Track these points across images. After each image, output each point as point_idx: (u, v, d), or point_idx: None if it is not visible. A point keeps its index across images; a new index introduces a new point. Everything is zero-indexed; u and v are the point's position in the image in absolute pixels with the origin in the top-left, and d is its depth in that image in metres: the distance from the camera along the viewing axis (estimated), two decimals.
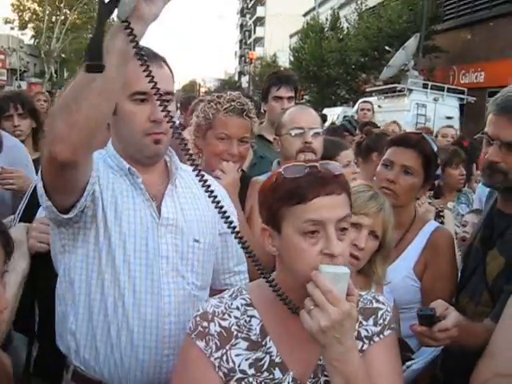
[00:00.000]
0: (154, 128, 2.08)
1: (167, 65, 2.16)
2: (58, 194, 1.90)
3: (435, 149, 2.86)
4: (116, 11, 1.51)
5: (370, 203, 2.31)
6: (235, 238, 1.66)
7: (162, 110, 1.64)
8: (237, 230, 1.67)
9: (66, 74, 54.68)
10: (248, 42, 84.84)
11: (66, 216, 1.94)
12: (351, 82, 29.74)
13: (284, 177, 1.64)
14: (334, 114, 20.07)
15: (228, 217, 1.65)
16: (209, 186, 1.62)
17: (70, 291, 2.11)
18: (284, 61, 44.73)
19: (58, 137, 1.66)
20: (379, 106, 17.04)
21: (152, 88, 1.60)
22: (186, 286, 2.14)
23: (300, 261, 1.61)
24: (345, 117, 18.03)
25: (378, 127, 7.26)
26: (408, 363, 2.30)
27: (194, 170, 1.63)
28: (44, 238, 2.31)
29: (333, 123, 13.21)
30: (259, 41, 77.06)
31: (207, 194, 1.63)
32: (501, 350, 1.95)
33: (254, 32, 79.70)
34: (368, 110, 9.40)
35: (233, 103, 2.85)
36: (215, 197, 1.63)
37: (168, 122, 1.67)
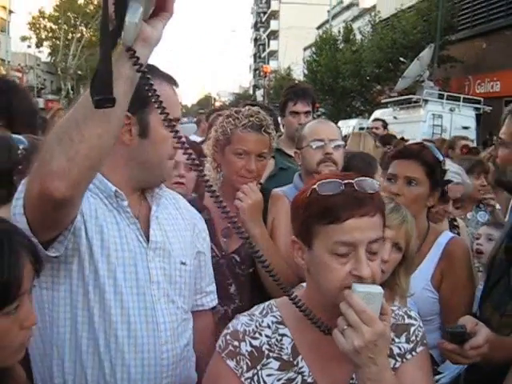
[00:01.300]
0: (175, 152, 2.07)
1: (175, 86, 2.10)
2: (44, 230, 1.72)
3: (439, 157, 2.84)
4: (122, 37, 1.44)
5: (392, 215, 2.29)
6: (261, 265, 1.65)
7: (174, 137, 1.59)
8: (256, 249, 1.64)
9: (82, 91, 55.17)
10: (262, 56, 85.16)
11: (52, 254, 1.78)
12: (366, 94, 29.72)
13: (318, 193, 1.61)
14: (349, 126, 20.02)
15: (247, 238, 1.63)
16: (224, 206, 1.60)
17: (50, 332, 1.94)
18: (298, 74, 44.80)
19: (56, 172, 1.51)
20: (395, 118, 16.99)
21: (164, 120, 1.55)
22: (177, 310, 2.07)
23: (328, 279, 1.59)
24: (361, 129, 18.03)
25: (396, 138, 7.29)
26: (436, 377, 2.27)
27: (211, 197, 1.61)
28: None
29: (347, 136, 13.18)
30: (273, 54, 77.34)
31: (226, 218, 1.61)
32: None
33: (268, 46, 80.00)
34: (377, 128, 9.49)
35: (251, 118, 2.82)
36: (235, 222, 1.62)
37: (183, 151, 1.62)
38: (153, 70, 1.89)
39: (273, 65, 67.56)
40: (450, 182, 3.04)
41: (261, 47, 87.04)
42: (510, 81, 20.02)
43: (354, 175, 1.65)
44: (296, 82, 26.18)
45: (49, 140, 1.56)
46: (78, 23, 48.92)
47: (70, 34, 49.44)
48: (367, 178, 1.67)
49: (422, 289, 2.71)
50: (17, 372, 1.68)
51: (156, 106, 1.53)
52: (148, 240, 2.03)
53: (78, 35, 48.95)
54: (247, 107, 2.98)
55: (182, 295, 2.11)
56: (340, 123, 20.19)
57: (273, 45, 77.60)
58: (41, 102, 43.17)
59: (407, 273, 2.37)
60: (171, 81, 2.07)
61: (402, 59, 23.59)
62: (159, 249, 2.04)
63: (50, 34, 50.31)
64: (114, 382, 1.92)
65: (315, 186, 1.62)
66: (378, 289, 1.55)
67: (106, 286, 1.91)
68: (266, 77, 57.39)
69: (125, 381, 1.92)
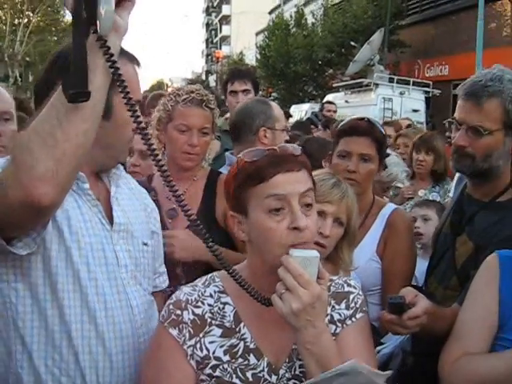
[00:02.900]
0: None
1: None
2: (13, 230, 1.60)
3: (383, 132, 2.91)
4: (100, 27, 1.38)
5: (333, 191, 2.32)
6: (201, 237, 1.61)
7: (134, 121, 1.51)
8: (195, 219, 1.61)
9: (30, 78, 54.00)
10: (214, 41, 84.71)
11: (22, 252, 1.64)
12: (318, 78, 29.89)
13: (244, 161, 1.67)
14: (302, 110, 20.11)
15: (191, 214, 1.59)
16: (176, 190, 1.54)
17: (14, 329, 1.79)
18: (251, 59, 44.79)
19: (42, 176, 1.40)
20: (346, 101, 17.19)
21: (126, 103, 1.48)
22: (145, 292, 2.00)
23: (269, 240, 1.62)
24: (312, 112, 18.16)
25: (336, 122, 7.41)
26: (378, 348, 2.33)
27: (162, 176, 1.54)
28: None
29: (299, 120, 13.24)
30: (225, 39, 77.04)
31: (174, 198, 1.55)
32: (467, 329, 2.01)
33: (220, 31, 79.62)
34: (334, 111, 9.57)
35: (192, 94, 2.83)
36: (182, 200, 1.56)
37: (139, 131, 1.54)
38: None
39: (225, 50, 67.29)
40: (388, 155, 3.10)
41: (213, 32, 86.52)
42: (458, 65, 20.37)
43: (277, 145, 1.74)
44: (248, 66, 26.17)
45: (25, 142, 1.44)
46: (24, 8, 47.75)
47: (17, 20, 48.26)
48: (290, 145, 1.77)
49: (369, 259, 2.76)
50: None
51: (120, 90, 1.46)
52: (111, 222, 1.94)
53: (25, 20, 47.81)
54: (188, 85, 3.00)
55: (147, 277, 2.04)
56: (293, 108, 20.28)
57: (225, 30, 77.25)
58: None
59: (350, 247, 2.40)
60: (134, 60, 1.98)
61: (353, 43, 23.79)
62: (123, 231, 1.95)
63: None
64: (94, 373, 1.81)
65: (241, 156, 1.70)
66: (314, 253, 1.58)
67: (80, 272, 1.80)
68: (218, 62, 57.27)
69: (107, 370, 1.83)
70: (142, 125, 1.53)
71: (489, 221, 2.38)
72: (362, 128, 2.84)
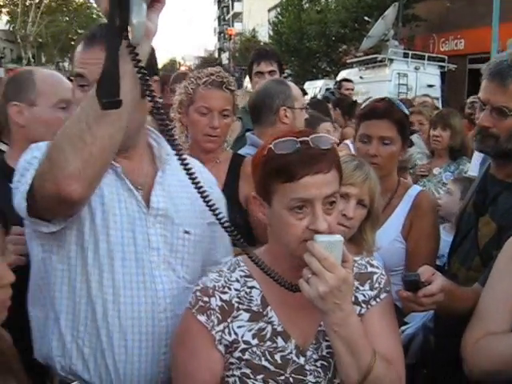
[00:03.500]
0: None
1: None
2: (50, 216, 1.75)
3: (405, 111, 2.89)
4: (132, 36, 1.40)
5: (355, 173, 2.32)
6: (222, 226, 1.63)
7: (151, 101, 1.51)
8: (221, 216, 1.61)
9: (43, 59, 54.11)
10: (226, 18, 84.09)
11: (53, 229, 1.79)
12: (332, 54, 29.64)
13: (275, 152, 1.64)
14: (316, 87, 19.99)
15: (212, 204, 1.59)
16: (192, 173, 1.54)
17: (49, 296, 1.94)
18: (264, 35, 44.45)
19: (71, 174, 1.52)
20: (361, 77, 17.04)
21: (153, 107, 1.50)
22: (178, 279, 2.01)
23: (288, 234, 1.65)
24: (327, 89, 18.02)
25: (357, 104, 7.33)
26: (402, 328, 2.34)
27: (176, 155, 1.53)
28: (21, 249, 2.09)
29: (314, 97, 13.14)
30: (238, 16, 76.44)
31: (190, 180, 1.55)
32: (489, 309, 2.02)
33: (232, 8, 78.94)
34: (352, 89, 9.45)
35: (212, 76, 2.87)
36: (198, 182, 1.56)
37: (162, 128, 1.54)
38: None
39: (237, 27, 66.82)
40: (415, 131, 3.08)
41: (225, 9, 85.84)
42: (474, 38, 20.12)
43: (310, 132, 1.70)
44: (261, 44, 26.00)
45: (59, 142, 1.55)
46: None
47: (28, 1, 48.18)
48: (322, 135, 1.72)
49: (393, 240, 2.79)
50: (2, 335, 1.67)
51: (147, 94, 1.47)
52: (149, 206, 1.98)
53: (37, 1, 47.71)
54: (209, 68, 3.01)
55: (185, 265, 2.04)
56: (307, 84, 20.16)
57: (237, 7, 76.58)
58: (1, 72, 42.22)
59: (373, 228, 2.41)
60: None
61: (366, 18, 23.53)
62: (161, 216, 1.99)
63: (8, 1, 48.98)
64: (111, 350, 1.89)
65: (271, 145, 1.66)
66: (338, 237, 1.61)
67: (104, 250, 1.89)
68: (231, 40, 56.92)
69: (122, 348, 1.90)
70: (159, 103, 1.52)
71: (511, 202, 2.38)
72: (380, 110, 2.83)
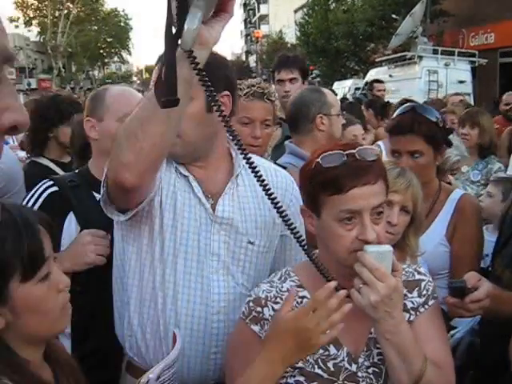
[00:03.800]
0: None
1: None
2: (119, 203, 1.96)
3: (433, 118, 2.83)
4: (180, 42, 1.45)
5: (398, 180, 2.35)
6: (285, 224, 1.65)
7: (228, 131, 1.58)
8: (293, 226, 1.65)
9: (73, 68, 54.80)
10: (253, 21, 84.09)
11: (122, 218, 2.00)
12: (360, 53, 29.49)
13: (322, 166, 1.69)
14: (345, 86, 19.95)
15: (286, 215, 1.63)
16: (263, 181, 1.57)
17: (124, 283, 2.17)
18: (291, 37, 44.43)
19: (125, 164, 1.70)
20: (390, 76, 16.91)
21: (219, 116, 1.55)
22: (236, 285, 2.12)
23: (337, 245, 1.70)
24: (357, 89, 17.95)
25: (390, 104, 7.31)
26: (451, 332, 2.37)
27: (247, 163, 1.58)
28: (101, 250, 2.37)
29: (344, 97, 13.08)
30: (264, 18, 76.39)
31: (264, 191, 1.59)
32: None
33: (258, 10, 78.93)
34: (384, 90, 9.36)
35: (253, 88, 2.94)
36: (271, 194, 1.59)
37: (235, 143, 1.58)
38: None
39: (264, 29, 66.78)
40: (452, 130, 3.06)
41: (251, 12, 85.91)
42: (504, 31, 19.87)
43: (356, 145, 1.75)
44: (288, 45, 25.98)
45: (119, 135, 1.75)
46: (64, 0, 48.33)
47: (57, 12, 48.89)
48: (368, 147, 1.78)
49: (438, 243, 2.81)
50: (58, 344, 1.77)
51: (207, 94, 1.53)
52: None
53: (65, 12, 48.39)
54: (249, 80, 3.07)
55: (246, 273, 2.15)
56: (335, 84, 20.13)
57: (263, 9, 76.58)
58: (33, 82, 42.88)
59: (416, 233, 2.44)
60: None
61: (394, 16, 23.39)
62: (225, 224, 2.11)
63: (38, 13, 49.77)
64: (166, 340, 2.06)
65: (318, 160, 1.71)
66: (388, 247, 1.67)
67: (169, 249, 2.07)
68: (257, 42, 56.99)
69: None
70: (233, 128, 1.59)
71: None
72: (405, 125, 2.82)
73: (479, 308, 2.04)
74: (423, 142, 2.78)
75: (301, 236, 1.67)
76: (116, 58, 63.08)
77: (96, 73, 59.18)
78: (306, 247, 1.70)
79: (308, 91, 3.57)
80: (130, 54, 62.28)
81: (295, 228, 1.66)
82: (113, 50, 59.46)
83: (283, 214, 1.62)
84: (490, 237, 3.06)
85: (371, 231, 1.65)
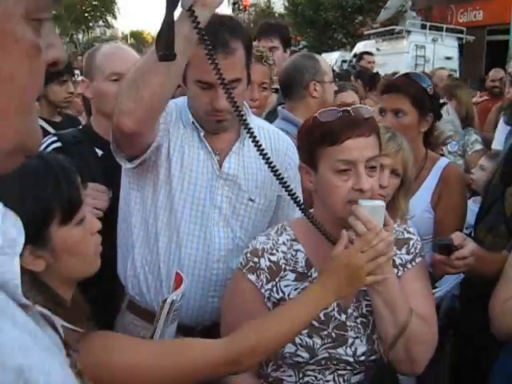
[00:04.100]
0: (215, 112, 2.16)
1: (243, 44, 2.14)
2: (124, 150, 2.08)
3: (425, 84, 2.95)
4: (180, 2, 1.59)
5: (389, 144, 2.42)
6: (281, 185, 1.77)
7: (228, 98, 1.71)
8: (287, 184, 1.77)
9: (58, 31, 53.91)
10: None
11: (129, 166, 2.12)
12: (348, 26, 29.40)
13: (319, 120, 1.79)
14: (332, 58, 19.89)
15: (276, 169, 1.74)
16: (262, 149, 1.70)
17: (130, 226, 2.29)
18: (279, 7, 44.00)
19: (125, 111, 1.83)
20: (377, 49, 16.88)
21: (218, 79, 1.69)
22: (234, 237, 2.26)
23: (333, 196, 1.79)
24: (343, 61, 17.93)
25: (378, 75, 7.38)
26: (432, 291, 2.47)
27: (245, 129, 1.72)
28: (99, 204, 2.42)
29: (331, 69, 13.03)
30: None
31: (258, 152, 1.71)
32: None
33: None
34: (373, 62, 9.38)
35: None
36: (268, 158, 1.72)
37: (234, 111, 1.73)
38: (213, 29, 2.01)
39: None
40: (444, 104, 3.15)
41: None
42: (493, 9, 19.89)
43: (350, 104, 1.86)
44: (276, 15, 25.81)
45: (123, 84, 1.89)
46: None
47: None
48: (362, 106, 1.88)
49: (423, 210, 2.89)
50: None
51: (204, 47, 1.66)
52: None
53: None
54: None
55: (244, 228, 2.29)
56: (323, 55, 19.95)
57: None
58: None
59: (406, 196, 2.52)
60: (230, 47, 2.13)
61: None
62: (230, 180, 2.25)
63: None
64: (167, 282, 2.18)
65: (316, 115, 1.82)
66: (381, 202, 1.75)
67: (176, 198, 2.19)
68: (245, 11, 56.35)
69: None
70: (236, 102, 1.73)
71: None
72: (394, 84, 2.99)
73: (464, 265, 2.14)
74: (408, 102, 2.89)
75: (295, 194, 1.77)
76: (101, 22, 62.15)
77: (80, 36, 58.31)
78: (302, 205, 1.79)
79: (302, 57, 3.61)
80: (115, 18, 61.40)
81: (289, 186, 1.77)
82: (98, 14, 58.57)
83: (277, 173, 1.74)
84: (474, 207, 3.15)
85: (366, 181, 1.74)
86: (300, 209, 1.79)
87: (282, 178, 1.75)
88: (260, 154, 1.70)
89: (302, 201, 1.80)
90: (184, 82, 2.16)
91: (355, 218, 1.72)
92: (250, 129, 1.69)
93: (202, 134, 2.23)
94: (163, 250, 2.22)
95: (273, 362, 1.92)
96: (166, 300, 1.82)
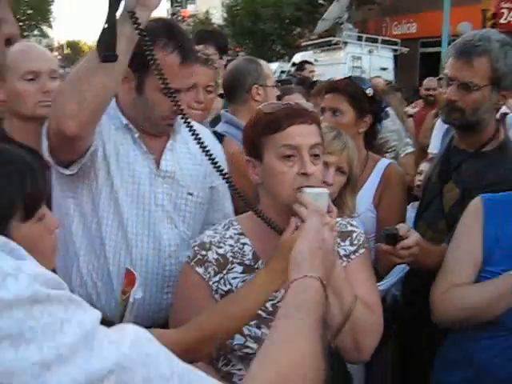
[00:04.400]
0: (172, 117, 2.21)
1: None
2: (61, 154, 2.03)
3: (366, 87, 3.08)
4: (124, 2, 1.64)
5: (334, 142, 2.50)
6: (226, 182, 1.82)
7: (172, 101, 1.74)
8: (227, 175, 1.81)
9: None
10: (179, 0, 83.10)
11: (68, 172, 2.06)
12: (286, 37, 29.72)
13: (263, 112, 1.87)
14: (271, 69, 20.07)
15: (219, 165, 1.79)
16: (200, 138, 1.74)
17: (69, 234, 2.23)
18: (218, 18, 44.14)
19: (68, 113, 1.80)
20: (316, 60, 17.12)
21: (162, 83, 1.73)
22: (180, 232, 2.29)
23: (280, 182, 1.83)
24: (282, 72, 18.13)
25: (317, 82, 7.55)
26: (377, 284, 2.55)
27: (184, 123, 1.75)
28: None
29: None
30: None
31: (198, 145, 1.75)
32: (455, 264, 2.25)
33: None
34: (314, 71, 9.54)
35: (197, 54, 2.97)
36: (205, 146, 1.75)
37: (179, 114, 1.77)
38: (170, 35, 2.14)
39: (190, 9, 66.03)
40: (385, 107, 3.26)
41: None
42: (425, 22, 20.47)
43: (293, 102, 1.96)
44: (215, 25, 25.91)
45: (63, 86, 1.88)
46: None
47: None
48: (303, 102, 1.96)
49: (366, 209, 2.96)
50: None
51: (145, 48, 1.70)
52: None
53: None
54: None
55: (187, 222, 2.33)
56: None
57: None
58: None
59: (352, 193, 2.60)
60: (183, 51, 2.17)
61: (321, 1, 23.69)
62: (168, 177, 2.28)
63: None
64: (119, 285, 2.10)
65: (260, 107, 1.90)
66: (324, 190, 1.80)
67: (119, 199, 2.19)
68: (184, 21, 56.28)
69: None
70: (182, 107, 1.77)
71: (474, 169, 2.61)
72: (333, 85, 3.14)
73: (409, 255, 2.22)
74: (346, 102, 3.00)
75: (234, 185, 1.82)
76: (36, 32, 60.92)
77: None
78: (244, 196, 1.84)
79: (244, 61, 3.67)
80: (50, 27, 60.35)
81: (230, 177, 1.82)
82: (33, 23, 57.37)
83: (217, 165, 1.78)
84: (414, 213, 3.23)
85: (310, 165, 1.79)
86: (241, 198, 1.83)
87: (223, 170, 1.80)
88: (200, 147, 1.74)
89: (239, 191, 1.84)
90: (139, 89, 2.17)
91: (300, 205, 1.75)
92: (191, 126, 1.73)
93: (136, 135, 2.24)
94: (111, 253, 2.20)
95: (223, 356, 1.95)
96: (128, 299, 1.83)
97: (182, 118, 1.76)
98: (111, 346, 0.75)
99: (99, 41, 1.66)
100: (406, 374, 2.97)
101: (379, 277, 2.67)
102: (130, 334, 0.79)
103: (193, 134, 1.73)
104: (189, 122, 1.74)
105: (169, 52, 2.11)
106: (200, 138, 1.74)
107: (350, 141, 2.56)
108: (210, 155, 1.75)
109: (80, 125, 1.81)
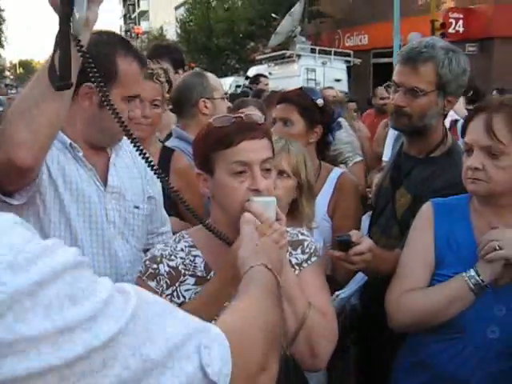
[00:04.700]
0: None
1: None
2: (7, 186, 1.89)
3: (316, 98, 3.10)
4: (72, 29, 1.58)
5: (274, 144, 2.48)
6: (171, 192, 1.80)
7: (113, 114, 1.72)
8: (172, 186, 1.80)
9: None
10: (133, 17, 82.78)
11: (15, 202, 1.92)
12: (240, 52, 29.94)
13: (214, 126, 1.84)
14: (226, 84, 20.14)
15: (161, 172, 1.76)
16: (139, 146, 1.71)
17: None
18: (172, 34, 44.22)
19: (20, 144, 1.69)
20: (270, 73, 17.23)
21: (101, 96, 1.74)
22: (132, 248, 2.27)
23: (230, 198, 1.81)
24: (237, 86, 18.21)
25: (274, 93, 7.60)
26: (337, 293, 2.55)
27: (129, 139, 1.72)
28: None
29: (225, 93, 13.19)
30: (144, 14, 75.25)
31: (138, 152, 1.72)
32: (407, 269, 2.27)
33: (138, 6, 77.78)
34: (268, 84, 9.58)
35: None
36: (145, 154, 1.73)
37: (120, 126, 1.73)
38: (127, 46, 2.17)
39: (144, 25, 65.96)
40: (335, 119, 3.28)
41: (130, 7, 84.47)
42: (377, 34, 20.85)
43: (243, 113, 1.93)
44: (169, 41, 25.88)
45: (10, 116, 1.72)
46: None
47: None
48: (254, 113, 1.97)
49: (321, 219, 2.96)
50: None
51: (90, 75, 1.67)
52: (106, 185, 2.21)
53: None
54: None
55: (136, 236, 2.30)
56: None
57: (143, 4, 75.34)
58: None
59: (309, 200, 2.60)
60: (140, 60, 2.20)
61: (274, 15, 23.91)
62: (116, 193, 2.24)
63: None
64: None
65: (211, 121, 1.87)
66: (272, 198, 1.80)
67: (71, 220, 2.11)
68: (138, 38, 56.17)
69: None
70: (123, 119, 1.76)
71: (423, 174, 2.64)
72: (286, 96, 3.16)
73: (362, 261, 2.23)
74: (296, 112, 3.03)
75: (180, 195, 1.80)
76: None
77: None
78: (191, 210, 1.82)
79: (190, 76, 3.69)
80: (2, 47, 59.54)
81: (174, 187, 1.80)
82: None
83: (161, 176, 1.76)
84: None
85: (261, 181, 1.78)
86: (190, 212, 1.82)
87: (168, 180, 1.79)
88: (142, 158, 1.72)
89: (185, 200, 1.82)
90: (102, 104, 2.09)
91: (246, 217, 1.74)
92: (134, 139, 1.71)
93: (80, 154, 2.16)
94: None
95: None
96: None
97: (123, 129, 1.73)
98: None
99: (51, 69, 1.58)
100: (368, 380, 2.97)
101: (338, 285, 2.69)
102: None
103: (134, 146, 1.71)
104: (130, 133, 1.72)
105: (131, 60, 2.13)
106: (145, 153, 1.72)
107: (293, 145, 2.57)
108: (150, 161, 1.74)
109: (34, 155, 1.73)
